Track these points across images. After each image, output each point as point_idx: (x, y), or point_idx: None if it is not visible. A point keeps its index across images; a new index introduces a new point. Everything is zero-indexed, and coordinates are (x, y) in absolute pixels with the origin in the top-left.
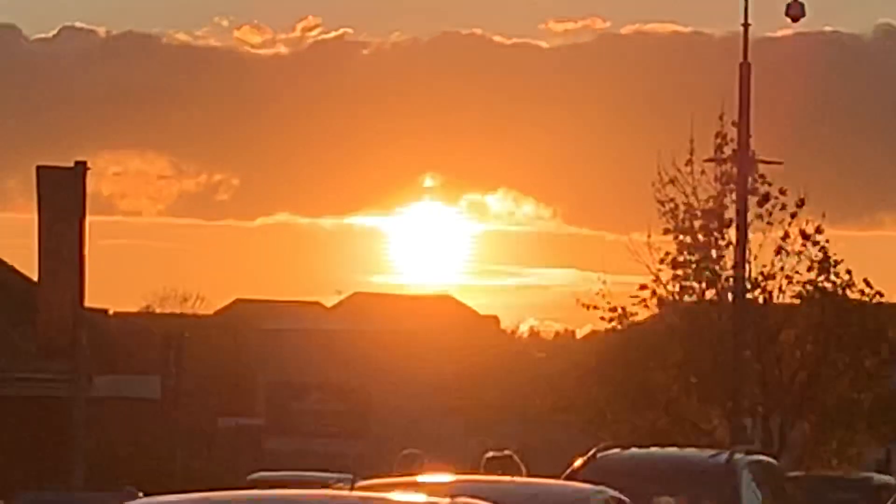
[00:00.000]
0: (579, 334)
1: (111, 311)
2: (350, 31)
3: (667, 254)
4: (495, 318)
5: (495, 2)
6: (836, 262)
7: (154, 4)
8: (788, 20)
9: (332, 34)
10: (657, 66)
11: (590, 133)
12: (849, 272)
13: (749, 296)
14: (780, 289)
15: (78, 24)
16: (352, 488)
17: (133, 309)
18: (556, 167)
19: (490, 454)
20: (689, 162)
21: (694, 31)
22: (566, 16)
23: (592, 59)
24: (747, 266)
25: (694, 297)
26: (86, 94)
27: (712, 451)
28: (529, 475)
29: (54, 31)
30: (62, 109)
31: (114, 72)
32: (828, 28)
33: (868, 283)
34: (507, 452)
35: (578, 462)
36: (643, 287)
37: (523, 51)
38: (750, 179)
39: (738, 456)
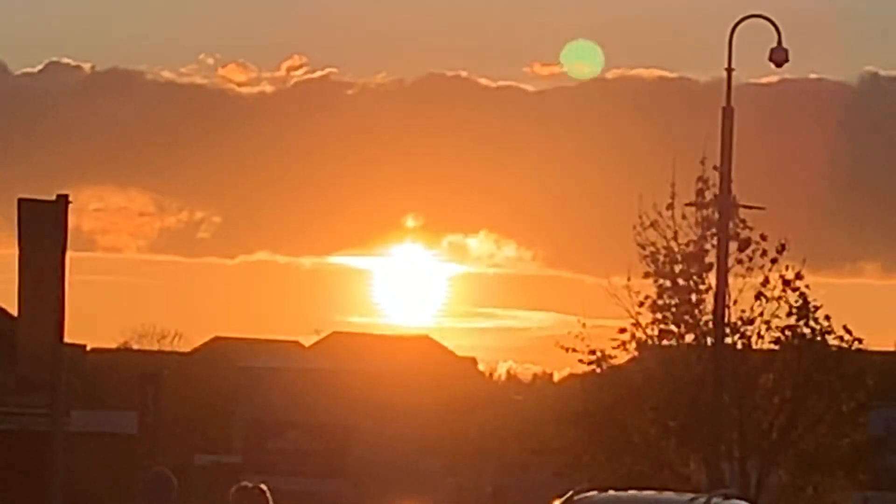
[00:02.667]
0: (557, 377)
1: (89, 347)
2: (335, 70)
3: (646, 297)
4: (473, 360)
5: (481, 44)
6: (816, 309)
7: (140, 41)
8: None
9: (318, 73)
10: (641, 110)
11: (572, 176)
12: (828, 318)
13: (728, 340)
14: (759, 334)
15: (64, 60)
16: None
17: (111, 345)
18: (537, 210)
19: (241, 484)
20: (671, 206)
21: (680, 77)
22: (552, 59)
23: (577, 103)
24: (727, 311)
25: (673, 341)
26: (69, 129)
27: (690, 496)
28: None
29: (40, 66)
30: (45, 144)
31: (98, 107)
32: (813, 75)
33: (847, 330)
34: (261, 486)
35: (556, 503)
36: (622, 330)
37: (508, 94)
38: (731, 224)
39: (715, 500)
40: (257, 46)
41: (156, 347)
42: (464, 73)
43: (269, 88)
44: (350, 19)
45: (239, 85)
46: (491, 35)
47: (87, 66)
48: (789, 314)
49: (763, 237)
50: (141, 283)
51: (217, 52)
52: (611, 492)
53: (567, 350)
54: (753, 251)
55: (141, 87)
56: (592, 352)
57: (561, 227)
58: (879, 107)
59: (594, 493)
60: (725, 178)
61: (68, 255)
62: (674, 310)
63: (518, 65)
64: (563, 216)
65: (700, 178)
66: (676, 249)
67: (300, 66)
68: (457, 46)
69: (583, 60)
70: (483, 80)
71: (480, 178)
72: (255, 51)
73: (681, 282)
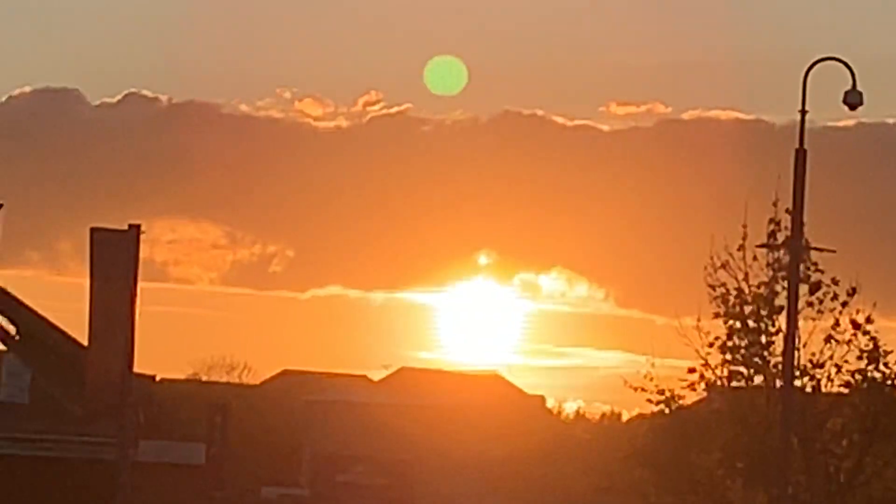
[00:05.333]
0: (626, 416)
1: (158, 378)
2: (411, 106)
3: (716, 338)
4: (542, 398)
5: (558, 82)
6: (886, 353)
7: (218, 74)
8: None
9: (394, 109)
10: (716, 151)
11: (645, 216)
12: None
13: (797, 383)
14: (828, 377)
15: (142, 91)
16: None
17: (180, 376)
18: (610, 249)
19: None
20: (742, 247)
21: (756, 119)
22: (628, 99)
23: (652, 144)
24: (796, 353)
25: (742, 383)
26: (145, 161)
27: None
28: None
29: (119, 97)
30: (120, 175)
31: (174, 139)
32: (890, 119)
33: None
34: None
35: None
36: (692, 370)
37: (583, 132)
38: (802, 267)
39: None
40: (334, 81)
41: (224, 379)
42: (539, 112)
43: (345, 123)
44: (426, 57)
45: (315, 119)
46: (567, 74)
47: (164, 98)
48: (859, 358)
49: (834, 281)
50: (212, 315)
51: (294, 86)
52: None
53: (636, 390)
54: (824, 294)
55: (217, 120)
56: (661, 392)
57: (633, 267)
58: None
59: None
60: (797, 221)
61: (139, 285)
62: (743, 351)
63: (594, 104)
64: (636, 256)
65: (772, 220)
66: (747, 291)
67: (376, 102)
68: (533, 85)
69: (444, 78)
70: (559, 119)
71: (554, 216)
72: (332, 85)
73: (751, 323)
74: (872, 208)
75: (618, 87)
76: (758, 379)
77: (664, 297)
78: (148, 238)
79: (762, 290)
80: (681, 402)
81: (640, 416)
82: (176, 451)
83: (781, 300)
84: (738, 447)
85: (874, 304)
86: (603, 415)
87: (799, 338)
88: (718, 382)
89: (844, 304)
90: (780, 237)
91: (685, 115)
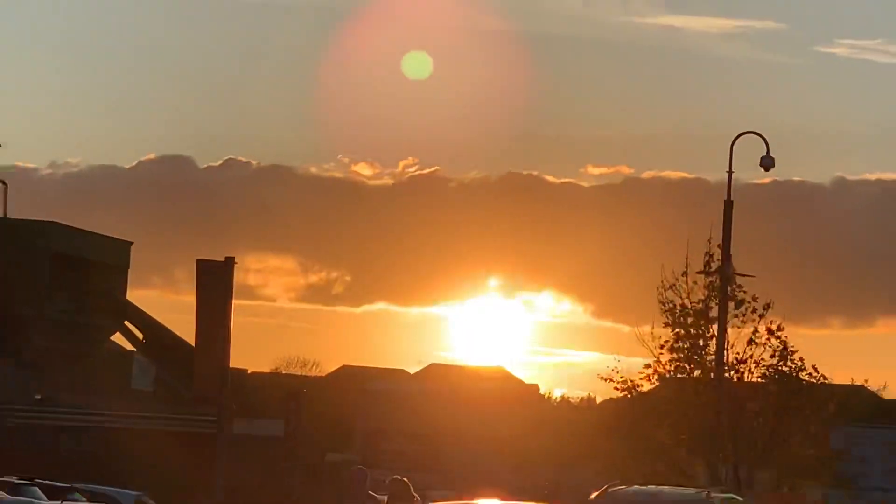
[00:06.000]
0: (599, 401)
1: (249, 371)
2: (439, 168)
3: (666, 342)
4: (536, 387)
5: (548, 150)
6: (793, 352)
7: (294, 144)
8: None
9: (426, 170)
10: (667, 202)
11: (615, 250)
12: (801, 360)
13: (726, 375)
14: (749, 370)
15: (239, 157)
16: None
17: (265, 370)
18: (589, 275)
19: (393, 477)
20: (685, 274)
21: (696, 177)
22: (601, 163)
23: (620, 196)
24: (725, 353)
25: (685, 375)
26: (240, 210)
27: (695, 490)
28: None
29: (220, 162)
30: (221, 220)
31: (262, 194)
32: (797, 178)
33: (815, 369)
34: (404, 479)
35: (594, 495)
36: (647, 366)
37: (568, 188)
38: (729, 288)
39: (714, 494)
40: (381, 149)
41: (299, 372)
42: (535, 172)
43: (389, 181)
44: (451, 130)
45: (367, 178)
46: (556, 144)
47: (254, 162)
48: (772, 356)
49: (754, 298)
50: (289, 324)
51: (351, 153)
52: (636, 486)
53: (606, 380)
54: (746, 308)
55: (293, 179)
56: (625, 382)
57: (606, 289)
58: (844, 204)
59: (623, 487)
60: (726, 254)
61: (234, 302)
62: (686, 351)
63: (576, 166)
64: (608, 280)
65: (707, 253)
66: (689, 306)
67: (413, 165)
68: (530, 151)
69: (417, 67)
70: (549, 177)
71: (546, 250)
72: (380, 152)
73: (692, 331)
74: (783, 245)
75: (594, 153)
76: (697, 372)
77: (629, 311)
78: (241, 267)
79: (700, 305)
80: (639, 389)
81: (610, 400)
82: (261, 427)
83: (714, 313)
84: (682, 423)
85: (784, 316)
86: (581, 399)
87: (727, 341)
88: (667, 375)
89: (762, 316)
90: (713, 266)
91: (644, 175)
